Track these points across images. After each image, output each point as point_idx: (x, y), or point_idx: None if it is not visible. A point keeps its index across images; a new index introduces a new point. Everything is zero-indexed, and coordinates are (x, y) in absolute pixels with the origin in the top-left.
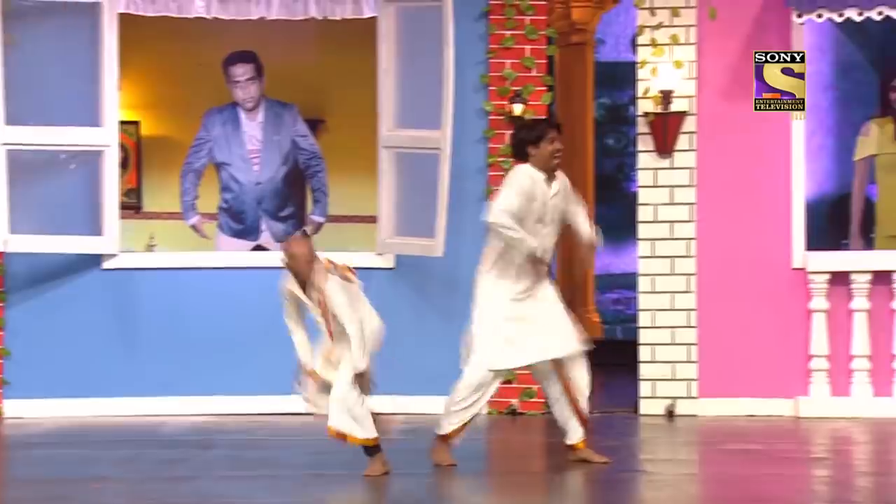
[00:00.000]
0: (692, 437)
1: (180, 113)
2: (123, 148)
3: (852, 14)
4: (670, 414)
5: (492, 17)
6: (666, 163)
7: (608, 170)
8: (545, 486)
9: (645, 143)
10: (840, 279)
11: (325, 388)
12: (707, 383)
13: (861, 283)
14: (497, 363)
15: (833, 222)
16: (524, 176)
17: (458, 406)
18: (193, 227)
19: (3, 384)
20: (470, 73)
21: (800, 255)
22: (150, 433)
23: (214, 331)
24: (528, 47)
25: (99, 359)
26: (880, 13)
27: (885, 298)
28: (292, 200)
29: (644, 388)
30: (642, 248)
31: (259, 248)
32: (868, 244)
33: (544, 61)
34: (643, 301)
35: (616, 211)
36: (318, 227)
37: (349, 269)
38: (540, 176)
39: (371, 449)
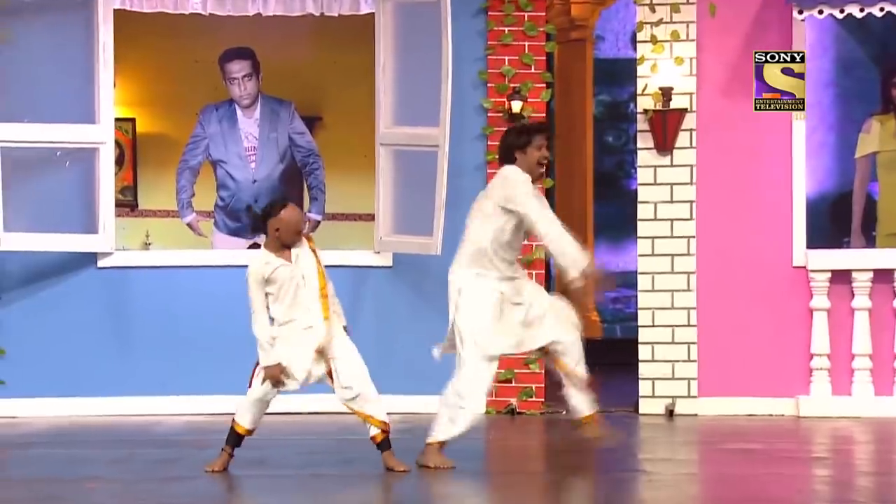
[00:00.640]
0: (692, 436)
1: (176, 110)
2: (119, 145)
3: (854, 10)
4: (670, 413)
5: (490, 13)
6: (666, 160)
7: (607, 167)
8: (544, 486)
9: (644, 141)
10: (841, 278)
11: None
12: (707, 382)
13: (862, 281)
14: (491, 348)
15: (834, 220)
16: (523, 174)
17: (454, 405)
18: (189, 225)
19: None
20: (468, 70)
21: (800, 253)
22: (145, 432)
23: (210, 330)
24: (526, 44)
25: (94, 358)
26: (882, 9)
27: (887, 297)
28: (289, 198)
29: (643, 388)
30: (642, 246)
31: (256, 246)
32: (869, 242)
33: (543, 58)
34: (643, 300)
35: (615, 209)
36: (316, 225)
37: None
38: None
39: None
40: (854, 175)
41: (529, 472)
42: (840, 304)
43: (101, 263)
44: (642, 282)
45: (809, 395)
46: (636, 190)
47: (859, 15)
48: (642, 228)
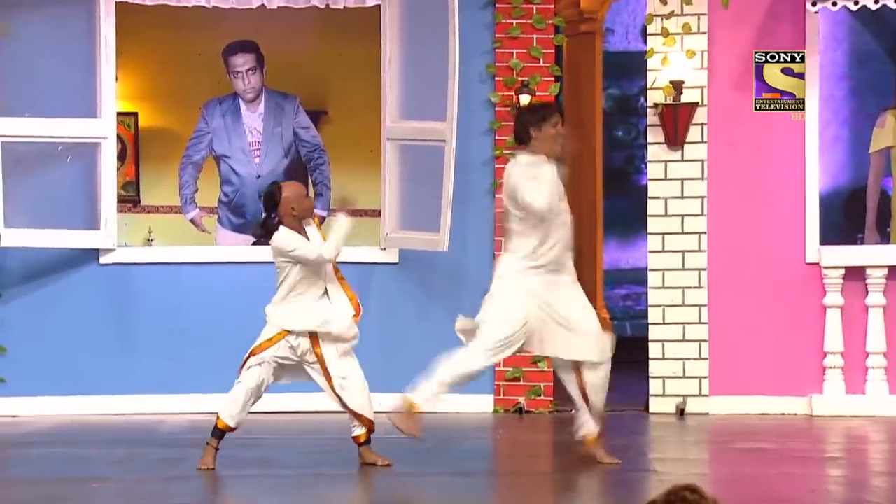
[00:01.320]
0: (703, 435)
1: (179, 104)
2: (121, 140)
3: (868, 2)
4: (681, 412)
5: (498, 5)
6: (676, 155)
7: (617, 162)
8: (553, 485)
9: (655, 135)
10: (855, 274)
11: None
12: (718, 381)
13: (877, 278)
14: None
15: (848, 216)
16: (522, 167)
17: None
18: (193, 221)
19: None
20: (476, 63)
21: (814, 249)
22: (148, 431)
23: (214, 327)
24: (535, 37)
25: (96, 356)
26: None
27: None
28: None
29: (654, 386)
30: (652, 242)
31: (260, 242)
32: (884, 238)
33: (552, 51)
34: (653, 297)
35: (625, 204)
36: (321, 220)
37: None
38: (537, 159)
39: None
40: (868, 170)
41: (538, 472)
42: (854, 301)
43: (103, 260)
44: (653, 278)
45: (822, 394)
46: (646, 185)
47: (874, 7)
48: (653, 224)
